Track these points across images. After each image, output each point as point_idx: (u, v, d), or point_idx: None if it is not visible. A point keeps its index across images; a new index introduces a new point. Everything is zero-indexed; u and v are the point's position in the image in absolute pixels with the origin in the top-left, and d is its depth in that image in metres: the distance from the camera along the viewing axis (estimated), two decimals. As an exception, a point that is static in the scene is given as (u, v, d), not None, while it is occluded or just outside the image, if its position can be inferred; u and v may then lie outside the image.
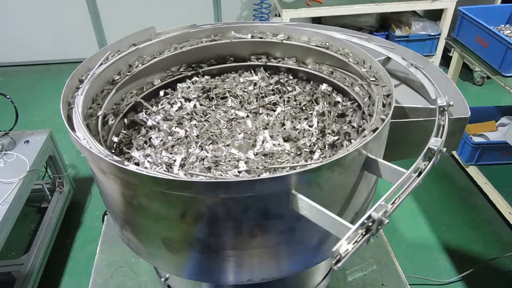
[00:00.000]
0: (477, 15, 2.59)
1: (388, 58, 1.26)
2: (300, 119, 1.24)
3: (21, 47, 4.71)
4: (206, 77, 1.38)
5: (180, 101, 1.28)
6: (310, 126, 1.20)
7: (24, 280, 2.17)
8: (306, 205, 0.76)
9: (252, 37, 1.35)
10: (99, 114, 1.08)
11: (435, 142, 0.84)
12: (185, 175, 0.98)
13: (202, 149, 1.10)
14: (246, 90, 1.33)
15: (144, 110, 1.26)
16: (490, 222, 2.75)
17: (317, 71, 1.32)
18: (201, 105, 1.29)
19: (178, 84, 1.34)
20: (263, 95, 1.33)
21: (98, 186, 1.01)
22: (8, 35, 4.60)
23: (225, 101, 1.32)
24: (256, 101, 1.31)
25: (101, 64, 1.14)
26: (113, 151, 1.10)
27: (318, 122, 1.20)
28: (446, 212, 2.84)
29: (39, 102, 4.11)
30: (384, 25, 4.25)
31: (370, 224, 0.68)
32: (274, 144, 1.10)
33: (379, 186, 1.07)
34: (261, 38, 1.34)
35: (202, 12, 4.74)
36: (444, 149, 0.84)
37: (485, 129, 3.02)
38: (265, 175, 0.96)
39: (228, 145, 1.11)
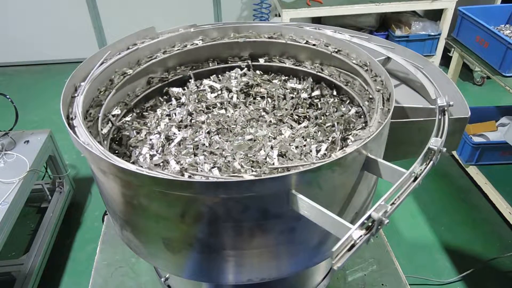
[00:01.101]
0: (477, 15, 2.59)
1: (388, 58, 1.26)
2: (314, 139, 1.16)
3: (21, 47, 4.71)
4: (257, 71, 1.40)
5: (221, 89, 1.34)
6: (317, 151, 1.09)
7: (24, 280, 2.17)
8: (306, 205, 0.76)
9: (306, 42, 1.32)
10: (99, 113, 1.08)
11: (435, 142, 0.84)
12: (182, 170, 0.98)
13: (206, 137, 1.14)
14: (285, 96, 1.31)
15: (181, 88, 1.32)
16: (490, 222, 2.75)
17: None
18: (237, 98, 1.31)
19: (227, 72, 1.39)
20: (299, 105, 1.28)
21: (98, 186, 1.01)
22: (8, 35, 4.61)
23: (260, 101, 1.32)
24: (288, 109, 1.26)
25: (101, 64, 1.14)
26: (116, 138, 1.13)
27: (327, 149, 1.10)
28: (446, 212, 2.84)
29: (39, 102, 4.11)
30: (384, 25, 4.26)
31: (370, 224, 0.68)
32: (268, 155, 1.05)
33: (379, 186, 1.07)
34: (314, 45, 1.30)
35: (202, 12, 4.74)
36: (444, 149, 0.84)
37: (485, 129, 3.02)
38: (247, 177, 0.93)
39: (229, 141, 1.13)
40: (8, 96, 2.34)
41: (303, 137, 1.15)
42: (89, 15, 4.60)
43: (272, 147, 1.08)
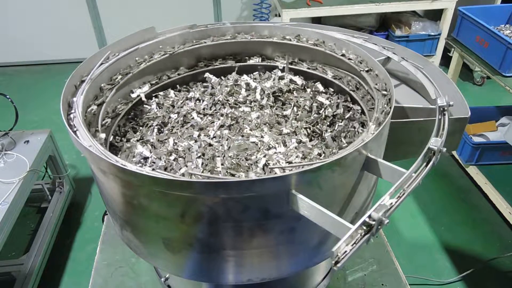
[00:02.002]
0: (477, 15, 2.59)
1: (388, 58, 1.26)
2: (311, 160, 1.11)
3: (21, 47, 4.71)
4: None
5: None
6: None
7: (24, 280, 2.17)
8: (306, 205, 0.76)
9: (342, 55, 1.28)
10: (99, 113, 1.08)
11: (435, 142, 0.84)
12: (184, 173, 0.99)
13: (214, 129, 1.17)
14: (311, 108, 1.26)
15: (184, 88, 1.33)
16: (490, 222, 2.75)
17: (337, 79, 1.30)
18: (267, 101, 1.29)
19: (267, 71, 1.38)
20: (321, 122, 1.21)
21: (98, 186, 1.01)
22: (8, 35, 4.61)
23: (286, 108, 1.28)
24: (308, 123, 1.22)
25: (101, 64, 1.14)
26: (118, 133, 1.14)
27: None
28: (446, 212, 2.84)
29: (39, 102, 4.11)
30: (384, 25, 4.26)
31: (370, 224, 0.68)
32: (256, 163, 1.04)
33: (379, 186, 1.07)
34: (350, 59, 1.26)
35: (202, 12, 4.74)
36: (444, 149, 0.84)
37: (485, 129, 3.02)
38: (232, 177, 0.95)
39: (231, 138, 1.14)
40: (8, 96, 2.34)
41: (303, 155, 1.06)
42: (89, 15, 4.60)
43: (265, 155, 1.04)
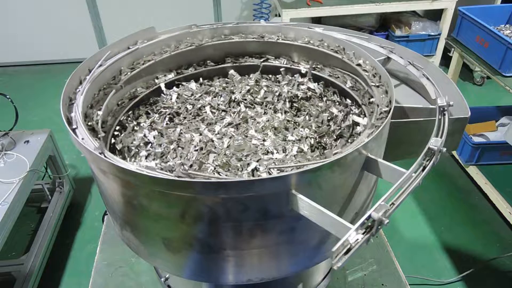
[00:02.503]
0: (477, 15, 2.59)
1: (388, 58, 1.26)
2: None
3: (21, 47, 4.71)
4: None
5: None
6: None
7: (24, 280, 2.17)
8: (306, 205, 0.76)
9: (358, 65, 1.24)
10: (99, 113, 1.08)
11: (435, 142, 0.84)
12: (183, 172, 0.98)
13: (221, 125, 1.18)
14: (323, 121, 1.23)
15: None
16: (490, 222, 2.75)
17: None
18: (283, 105, 1.29)
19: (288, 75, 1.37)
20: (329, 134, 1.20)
21: (98, 186, 1.01)
22: (8, 35, 4.61)
23: (300, 114, 1.26)
24: (316, 133, 1.23)
25: (101, 64, 1.14)
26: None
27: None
28: (446, 212, 2.84)
29: (39, 102, 4.11)
30: (384, 25, 4.26)
31: (370, 224, 0.68)
32: (248, 164, 1.04)
33: (379, 186, 1.07)
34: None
35: (202, 12, 4.74)
36: (444, 149, 0.84)
37: (485, 129, 3.02)
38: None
39: (234, 137, 1.14)
40: (8, 96, 2.34)
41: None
42: (89, 15, 4.60)
43: (258, 160, 1.03)
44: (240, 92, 1.30)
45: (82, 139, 0.89)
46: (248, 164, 1.00)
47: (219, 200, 0.78)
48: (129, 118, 1.21)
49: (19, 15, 4.51)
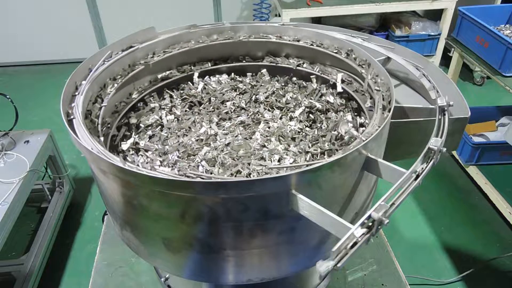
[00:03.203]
0: (477, 15, 2.59)
1: (388, 58, 1.26)
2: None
3: (21, 47, 4.71)
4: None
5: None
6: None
7: (24, 280, 2.17)
8: (306, 205, 0.76)
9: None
10: (99, 113, 1.08)
11: (435, 142, 0.84)
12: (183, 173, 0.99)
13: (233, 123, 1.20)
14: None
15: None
16: (490, 222, 2.75)
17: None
18: (300, 115, 1.26)
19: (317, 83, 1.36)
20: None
21: (98, 186, 1.01)
22: (8, 35, 4.61)
23: (313, 126, 1.23)
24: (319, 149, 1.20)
25: (101, 64, 1.14)
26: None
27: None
28: (446, 212, 2.84)
29: (39, 102, 4.11)
30: (384, 25, 4.26)
31: (370, 224, 0.68)
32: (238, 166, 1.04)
33: (379, 186, 1.07)
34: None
35: (202, 12, 4.74)
36: (444, 149, 0.84)
37: (485, 129, 3.02)
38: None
39: (238, 136, 1.14)
40: (8, 96, 2.34)
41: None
42: (89, 15, 4.60)
43: (249, 163, 1.02)
44: (265, 93, 1.30)
45: (84, 139, 0.89)
46: (236, 165, 1.00)
47: (219, 200, 0.78)
48: (153, 98, 1.28)
49: (19, 15, 4.51)
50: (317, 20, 4.07)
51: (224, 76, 1.39)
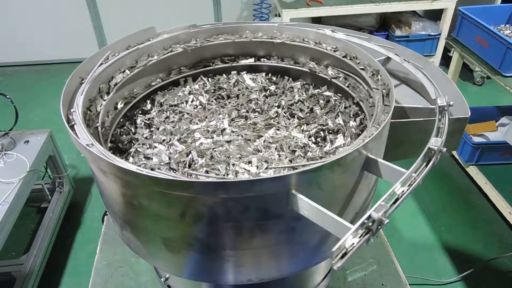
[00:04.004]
0: (477, 15, 2.59)
1: (388, 58, 1.26)
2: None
3: (21, 47, 4.71)
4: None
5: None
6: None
7: (24, 280, 2.17)
8: (306, 205, 0.75)
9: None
10: (99, 113, 1.08)
11: (435, 142, 0.84)
12: (185, 174, 0.99)
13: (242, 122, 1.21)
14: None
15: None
16: (490, 222, 2.75)
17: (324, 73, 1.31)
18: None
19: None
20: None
21: (98, 186, 1.01)
22: (8, 35, 4.61)
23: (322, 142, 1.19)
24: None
25: (101, 64, 1.14)
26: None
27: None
28: (446, 212, 2.84)
29: (39, 102, 4.11)
30: (384, 25, 4.26)
31: (370, 224, 0.68)
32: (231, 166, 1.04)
33: (379, 186, 1.07)
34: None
35: (202, 12, 4.74)
36: (444, 149, 0.84)
37: (485, 129, 3.02)
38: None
39: (240, 136, 1.15)
40: (8, 96, 2.34)
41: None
42: (89, 15, 4.60)
43: (233, 165, 1.01)
44: (290, 101, 1.29)
45: (84, 139, 0.89)
46: (224, 161, 1.01)
47: (219, 200, 0.78)
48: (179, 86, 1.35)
49: (19, 15, 4.51)
50: (317, 20, 4.06)
51: (259, 76, 1.41)
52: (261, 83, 1.39)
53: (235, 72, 1.41)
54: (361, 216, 0.68)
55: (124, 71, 1.20)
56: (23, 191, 2.15)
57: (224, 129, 1.18)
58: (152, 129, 1.21)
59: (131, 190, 0.85)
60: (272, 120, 1.23)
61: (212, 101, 1.31)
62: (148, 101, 1.30)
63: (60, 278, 2.46)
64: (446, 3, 3.73)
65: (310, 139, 1.16)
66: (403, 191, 0.76)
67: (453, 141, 1.09)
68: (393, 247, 1.51)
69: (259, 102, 1.30)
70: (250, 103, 1.30)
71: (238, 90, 1.35)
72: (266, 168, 1.00)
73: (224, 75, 1.41)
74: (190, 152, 1.05)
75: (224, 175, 0.97)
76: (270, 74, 1.42)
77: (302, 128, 1.20)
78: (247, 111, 1.26)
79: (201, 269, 0.96)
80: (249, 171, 0.98)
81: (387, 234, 1.56)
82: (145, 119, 1.23)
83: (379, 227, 0.68)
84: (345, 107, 1.24)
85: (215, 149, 1.07)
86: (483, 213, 2.82)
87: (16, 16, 4.51)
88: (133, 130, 1.20)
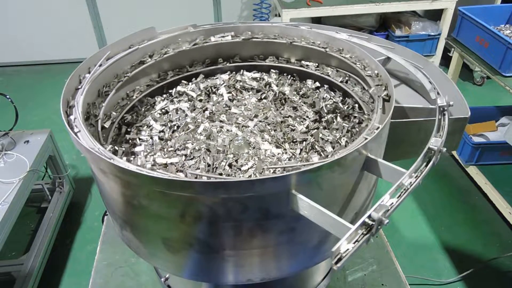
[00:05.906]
0: (477, 15, 2.59)
1: (388, 58, 1.26)
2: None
3: (21, 47, 4.71)
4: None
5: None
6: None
7: (24, 280, 2.17)
8: (306, 205, 0.76)
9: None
10: (99, 113, 1.08)
11: (435, 142, 0.84)
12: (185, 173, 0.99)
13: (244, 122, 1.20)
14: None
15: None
16: (490, 222, 2.75)
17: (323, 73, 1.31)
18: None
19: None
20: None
21: (98, 186, 1.01)
22: (8, 35, 4.60)
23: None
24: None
25: (101, 64, 1.14)
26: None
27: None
28: (446, 212, 2.84)
29: (39, 102, 4.11)
30: (384, 25, 4.26)
31: (370, 224, 0.68)
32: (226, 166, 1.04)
33: (379, 186, 1.07)
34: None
35: (202, 12, 4.74)
36: (444, 149, 0.84)
37: (485, 129, 3.02)
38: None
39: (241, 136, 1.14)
40: (8, 96, 2.34)
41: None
42: (89, 15, 4.60)
43: (230, 165, 1.02)
44: (295, 96, 1.29)
45: (84, 139, 0.89)
46: (227, 166, 1.01)
47: (219, 200, 0.78)
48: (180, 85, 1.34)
49: (19, 15, 4.51)
50: (317, 20, 4.07)
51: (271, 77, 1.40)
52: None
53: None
54: (361, 216, 0.68)
55: (124, 71, 1.20)
56: (23, 191, 2.15)
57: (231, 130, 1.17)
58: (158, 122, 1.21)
59: (131, 190, 0.85)
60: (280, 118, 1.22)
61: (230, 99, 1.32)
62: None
63: (60, 278, 2.46)
64: (446, 3, 3.73)
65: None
66: (403, 191, 0.76)
67: (453, 141, 1.09)
68: (393, 247, 1.51)
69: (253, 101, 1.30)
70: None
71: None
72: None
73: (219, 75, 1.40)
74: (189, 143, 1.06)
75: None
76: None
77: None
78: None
79: (201, 269, 0.96)
80: (240, 170, 0.99)
81: (387, 234, 1.56)
82: (159, 112, 1.25)
83: (379, 227, 0.68)
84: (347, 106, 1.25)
85: (210, 145, 1.07)
86: (483, 213, 2.82)
87: (16, 16, 4.51)
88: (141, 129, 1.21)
